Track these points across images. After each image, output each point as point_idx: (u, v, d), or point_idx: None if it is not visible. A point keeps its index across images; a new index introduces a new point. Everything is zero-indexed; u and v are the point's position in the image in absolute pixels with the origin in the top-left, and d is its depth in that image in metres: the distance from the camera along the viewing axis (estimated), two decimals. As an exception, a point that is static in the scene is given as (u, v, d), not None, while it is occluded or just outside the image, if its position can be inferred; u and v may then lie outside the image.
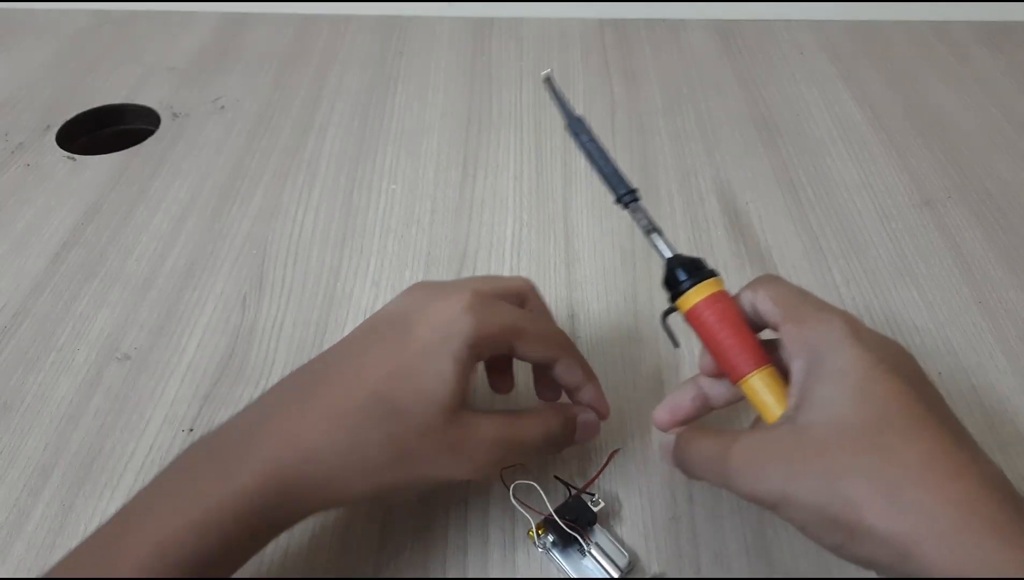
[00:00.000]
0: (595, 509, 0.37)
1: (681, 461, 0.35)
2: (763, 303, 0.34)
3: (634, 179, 0.58)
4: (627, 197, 0.38)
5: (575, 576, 0.36)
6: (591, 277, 0.51)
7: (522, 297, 0.38)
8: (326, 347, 0.46)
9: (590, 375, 0.39)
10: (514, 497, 0.37)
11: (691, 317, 0.35)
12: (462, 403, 0.33)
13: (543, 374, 0.39)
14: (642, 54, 0.74)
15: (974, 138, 0.63)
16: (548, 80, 0.40)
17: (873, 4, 0.79)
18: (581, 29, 0.78)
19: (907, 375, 0.30)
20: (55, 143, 0.63)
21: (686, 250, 0.53)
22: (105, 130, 0.67)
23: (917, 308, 0.49)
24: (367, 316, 0.48)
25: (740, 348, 0.33)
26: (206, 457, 0.32)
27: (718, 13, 0.80)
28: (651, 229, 0.37)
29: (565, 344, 0.38)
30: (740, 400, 0.36)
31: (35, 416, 0.43)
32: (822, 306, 0.33)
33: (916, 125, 0.65)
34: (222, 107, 0.67)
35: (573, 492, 0.38)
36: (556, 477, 0.39)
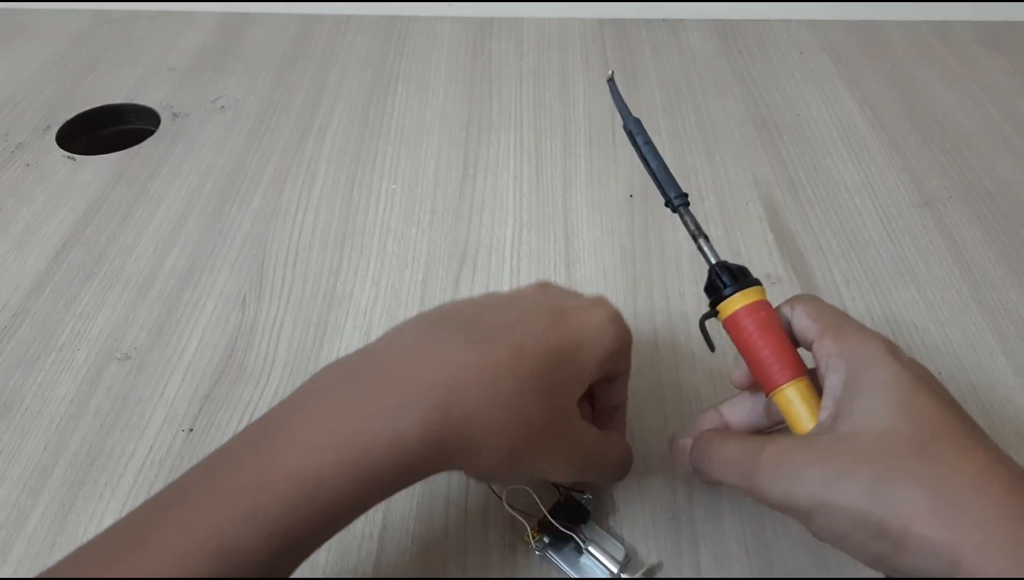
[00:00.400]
0: (586, 506, 0.37)
1: (702, 462, 0.34)
2: (800, 319, 0.34)
3: (634, 179, 0.59)
4: (678, 200, 0.37)
5: (575, 575, 0.36)
6: (591, 277, 0.51)
7: (622, 392, 0.39)
8: (325, 347, 0.46)
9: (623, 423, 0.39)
10: (507, 503, 0.37)
11: (730, 323, 0.35)
12: (578, 408, 0.34)
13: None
14: (642, 54, 0.74)
15: (974, 138, 0.63)
16: (611, 81, 0.40)
17: (873, 4, 0.79)
18: (581, 29, 0.78)
19: (946, 397, 0.31)
20: (55, 143, 0.63)
21: (686, 251, 0.53)
22: (105, 130, 0.67)
23: (917, 308, 0.49)
24: (366, 317, 0.48)
25: (779, 357, 0.33)
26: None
27: (718, 13, 0.80)
28: (699, 234, 0.37)
29: (624, 396, 0.38)
30: (765, 429, 0.36)
31: (35, 416, 0.43)
32: (862, 326, 0.33)
33: (916, 125, 0.65)
34: (222, 107, 0.67)
35: (563, 492, 0.38)
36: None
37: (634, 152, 0.38)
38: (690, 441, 0.35)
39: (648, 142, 0.38)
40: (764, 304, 0.34)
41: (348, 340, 0.47)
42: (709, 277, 0.35)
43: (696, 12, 0.80)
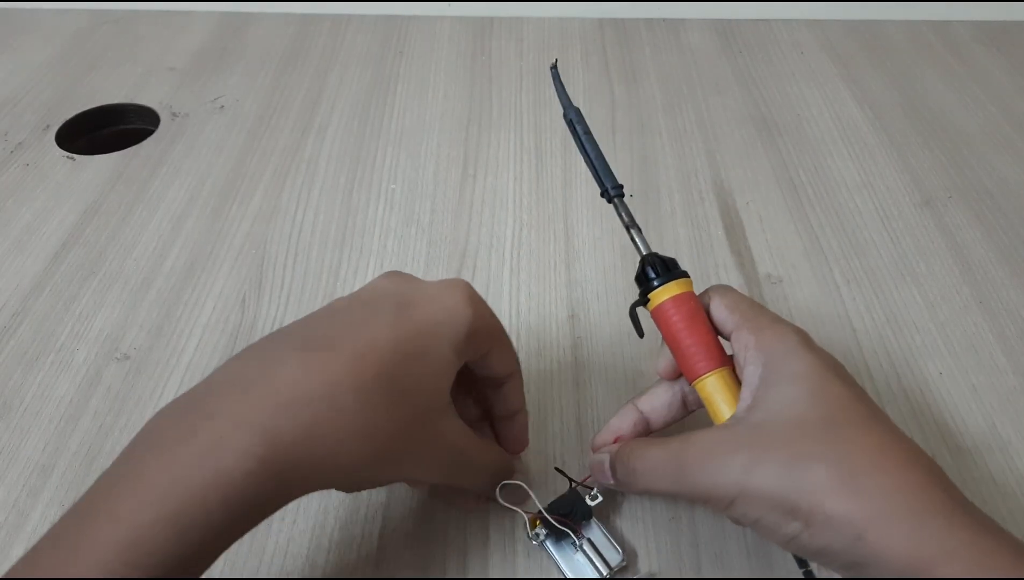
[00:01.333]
0: (592, 504, 0.37)
1: (627, 475, 0.34)
2: (718, 310, 0.35)
3: (634, 179, 0.59)
4: (614, 191, 0.38)
5: (567, 569, 0.36)
6: (591, 277, 0.51)
7: (509, 367, 0.37)
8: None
9: (522, 403, 0.38)
10: (500, 498, 0.36)
11: (657, 313, 0.36)
12: (448, 401, 0.33)
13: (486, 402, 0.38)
14: (642, 54, 0.74)
15: (974, 138, 0.63)
16: (554, 69, 0.41)
17: (873, 4, 0.79)
18: (581, 29, 0.78)
19: (852, 383, 0.32)
20: (55, 143, 0.63)
21: (686, 250, 0.53)
22: (105, 130, 0.67)
23: (917, 308, 0.49)
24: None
25: (702, 346, 0.34)
26: (181, 433, 0.26)
27: (718, 13, 0.80)
28: (631, 225, 0.38)
29: (517, 368, 0.37)
30: (681, 419, 0.38)
31: (35, 416, 0.43)
32: (777, 318, 0.34)
33: (916, 125, 0.65)
34: (222, 107, 0.67)
35: (573, 485, 0.38)
36: (556, 469, 0.39)
37: (576, 141, 0.39)
38: (605, 457, 0.36)
39: (587, 132, 0.40)
40: (690, 296, 0.36)
41: (348, 340, 0.47)
42: (640, 267, 0.37)
43: (696, 12, 0.80)
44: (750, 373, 0.33)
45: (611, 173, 0.39)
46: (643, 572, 0.36)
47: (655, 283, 0.36)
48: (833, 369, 0.32)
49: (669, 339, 0.36)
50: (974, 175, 0.60)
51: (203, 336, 0.47)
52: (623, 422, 0.37)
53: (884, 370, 0.45)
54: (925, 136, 0.64)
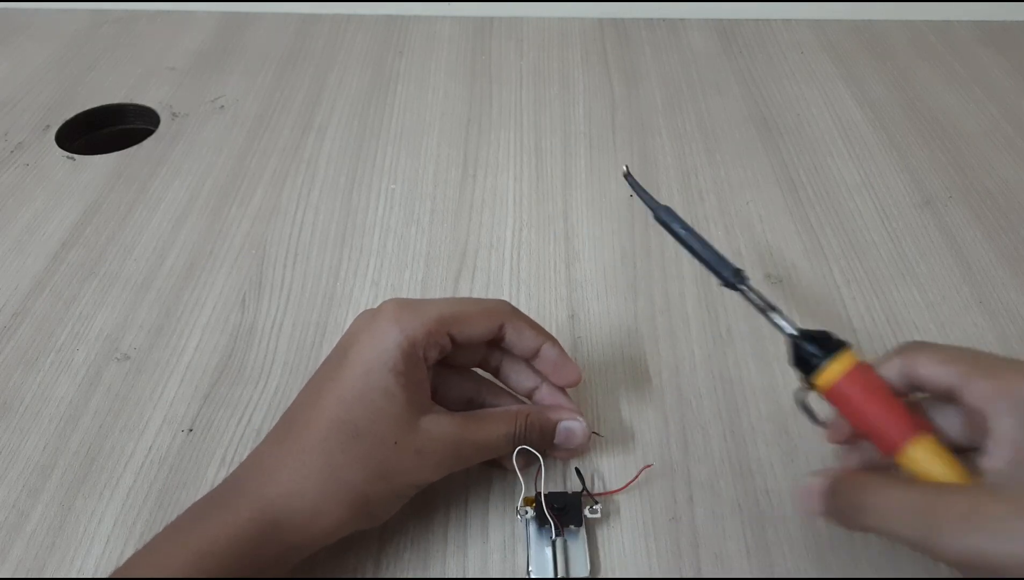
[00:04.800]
0: (589, 516, 0.37)
1: (851, 509, 0.31)
2: (928, 367, 0.32)
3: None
4: (735, 278, 0.36)
5: (531, 558, 0.36)
6: (591, 277, 0.51)
7: (497, 317, 0.38)
8: (325, 347, 0.46)
9: (545, 334, 0.38)
10: (516, 464, 0.36)
11: (833, 394, 0.33)
12: (421, 408, 0.35)
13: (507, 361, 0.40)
14: (642, 54, 0.74)
15: (974, 138, 0.63)
16: (628, 176, 0.39)
17: (873, 4, 0.79)
18: (581, 29, 0.78)
19: None
20: (55, 143, 0.63)
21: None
22: (105, 130, 0.67)
23: (917, 308, 0.49)
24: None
25: (894, 419, 0.32)
26: (206, 503, 0.34)
27: (718, 13, 0.79)
28: (768, 308, 0.36)
29: (506, 309, 0.38)
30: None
31: (35, 416, 0.43)
32: (1008, 359, 0.31)
33: (916, 125, 0.65)
34: (222, 107, 0.67)
35: (581, 491, 0.38)
36: (576, 470, 0.39)
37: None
38: (821, 481, 0.32)
39: (686, 228, 0.37)
40: (864, 367, 0.33)
41: (348, 340, 0.47)
42: (792, 350, 0.34)
43: (696, 12, 0.80)
44: (1006, 425, 0.29)
45: (725, 260, 0.36)
46: None
47: (820, 362, 0.33)
48: None
49: (854, 418, 0.33)
50: (974, 175, 0.60)
51: (203, 336, 0.47)
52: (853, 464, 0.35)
53: (884, 370, 0.45)
54: (925, 136, 0.64)
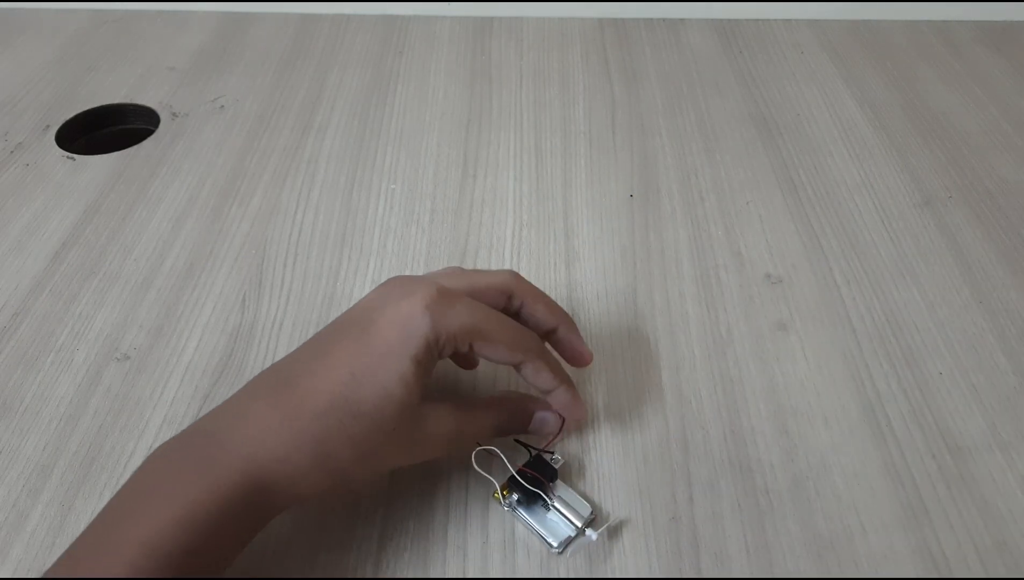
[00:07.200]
0: (555, 466, 0.39)
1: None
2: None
3: (634, 179, 0.59)
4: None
5: (544, 532, 0.37)
6: (591, 277, 0.51)
7: (506, 291, 0.38)
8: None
9: (562, 378, 0.39)
10: (476, 465, 0.37)
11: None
12: (420, 397, 0.34)
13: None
14: (642, 54, 0.74)
15: (974, 138, 0.63)
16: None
17: (873, 4, 0.79)
18: (581, 29, 0.78)
19: None
20: (54, 143, 0.63)
21: (686, 250, 0.53)
22: (105, 130, 0.67)
23: (917, 308, 0.49)
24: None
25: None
26: (182, 457, 0.32)
27: (718, 13, 0.80)
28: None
29: (532, 347, 0.37)
30: None
31: (35, 416, 0.43)
32: None
33: (916, 125, 0.65)
34: (222, 107, 0.67)
35: (533, 453, 0.39)
36: (516, 440, 0.40)
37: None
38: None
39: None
40: None
41: (348, 340, 0.47)
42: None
43: (696, 12, 0.80)
44: None
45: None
46: (610, 522, 0.37)
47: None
48: None
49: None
50: (974, 175, 0.60)
51: (203, 336, 0.47)
52: None
53: (884, 370, 0.45)
54: (925, 136, 0.64)
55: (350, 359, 0.33)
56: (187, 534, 0.29)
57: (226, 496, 0.30)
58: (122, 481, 0.39)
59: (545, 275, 0.51)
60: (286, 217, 0.56)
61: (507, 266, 0.52)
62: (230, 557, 0.32)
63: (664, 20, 0.79)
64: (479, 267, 0.52)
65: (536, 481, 0.38)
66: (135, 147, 0.63)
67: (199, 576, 0.30)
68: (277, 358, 0.46)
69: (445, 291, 0.35)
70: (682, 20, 0.79)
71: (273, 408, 0.33)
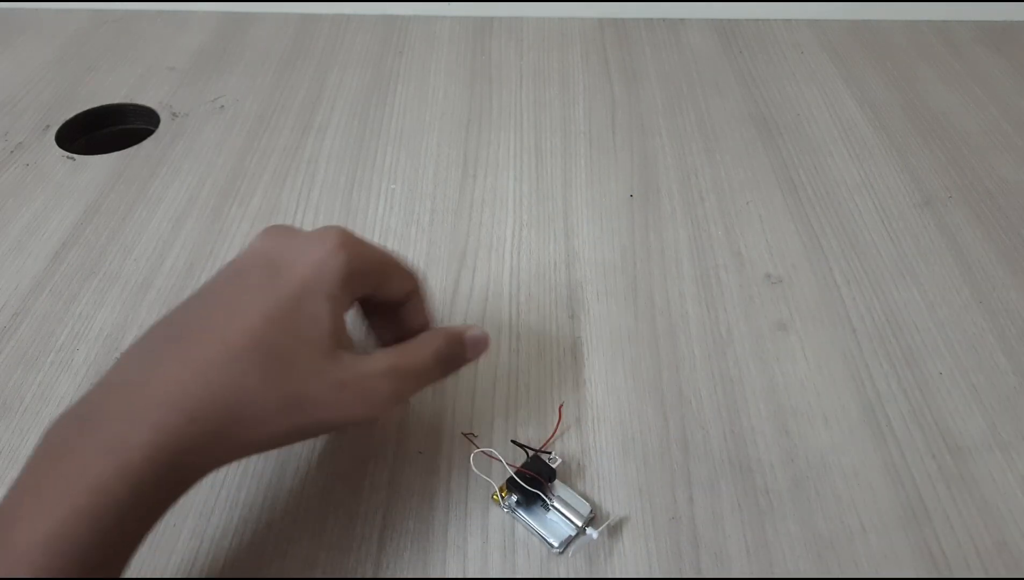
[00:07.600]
0: (553, 466, 0.39)
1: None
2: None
3: (634, 179, 0.59)
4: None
5: (545, 533, 0.37)
6: (591, 277, 0.51)
7: (412, 282, 0.38)
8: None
9: (431, 317, 0.39)
10: (474, 467, 0.38)
11: None
12: (340, 342, 0.33)
13: (387, 318, 0.39)
14: (642, 54, 0.74)
15: (974, 138, 0.63)
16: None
17: (873, 4, 0.79)
18: (581, 29, 0.78)
19: None
20: (54, 143, 0.63)
21: (686, 250, 0.53)
22: (105, 130, 0.67)
23: (917, 308, 0.49)
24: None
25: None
26: (81, 432, 0.29)
27: (718, 13, 0.80)
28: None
29: (418, 279, 0.38)
30: None
31: (35, 416, 0.43)
32: None
33: (916, 125, 0.65)
34: (222, 107, 0.67)
35: (531, 454, 0.39)
36: (513, 442, 0.40)
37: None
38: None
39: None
40: None
41: (348, 340, 0.47)
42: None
43: (696, 12, 0.80)
44: None
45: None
46: (610, 522, 0.38)
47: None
48: None
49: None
50: (974, 175, 0.60)
51: (203, 336, 0.47)
52: None
53: (884, 370, 0.45)
54: (925, 136, 0.64)
55: (261, 302, 0.32)
56: (96, 523, 0.27)
57: (138, 476, 0.28)
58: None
59: (545, 275, 0.51)
60: (286, 217, 0.56)
61: (507, 266, 0.52)
62: (148, 530, 0.29)
63: (664, 20, 0.79)
64: (479, 267, 0.52)
65: (534, 481, 0.38)
66: (135, 147, 0.63)
67: (112, 562, 0.28)
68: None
69: (352, 233, 0.35)
70: (682, 20, 0.79)
71: (180, 364, 0.30)
